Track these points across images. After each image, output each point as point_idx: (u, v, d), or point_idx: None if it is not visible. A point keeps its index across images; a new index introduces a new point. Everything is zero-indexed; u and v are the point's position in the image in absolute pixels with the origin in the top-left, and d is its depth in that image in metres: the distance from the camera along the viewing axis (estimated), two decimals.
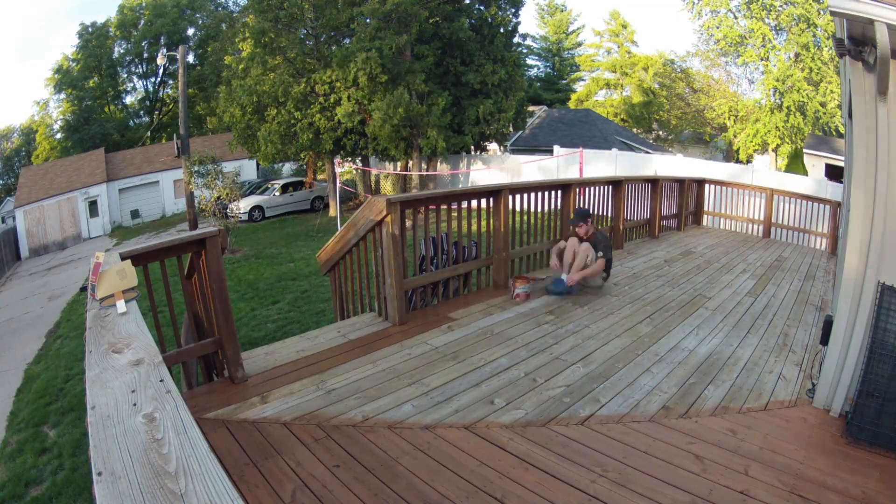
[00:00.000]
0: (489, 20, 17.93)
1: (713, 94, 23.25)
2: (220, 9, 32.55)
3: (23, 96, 67.60)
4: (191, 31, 32.40)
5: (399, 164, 19.28)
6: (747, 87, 24.04)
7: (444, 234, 4.50)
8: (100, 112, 30.55)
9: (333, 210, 17.75)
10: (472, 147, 18.39)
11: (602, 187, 6.56)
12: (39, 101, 33.39)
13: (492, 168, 18.42)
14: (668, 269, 5.86)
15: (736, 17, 21.09)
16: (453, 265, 4.54)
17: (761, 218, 9.16)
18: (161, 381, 1.17)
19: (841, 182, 10.98)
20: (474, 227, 4.78)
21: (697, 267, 6.09)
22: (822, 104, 19.00)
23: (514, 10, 18.91)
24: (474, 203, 4.74)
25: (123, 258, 2.24)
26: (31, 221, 21.63)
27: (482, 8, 18.41)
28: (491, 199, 4.75)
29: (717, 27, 21.48)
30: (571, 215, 4.98)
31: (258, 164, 25.32)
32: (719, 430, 2.57)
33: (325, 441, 2.46)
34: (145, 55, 31.76)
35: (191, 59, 30.80)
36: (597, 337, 3.75)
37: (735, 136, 21.52)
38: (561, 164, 16.80)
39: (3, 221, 24.50)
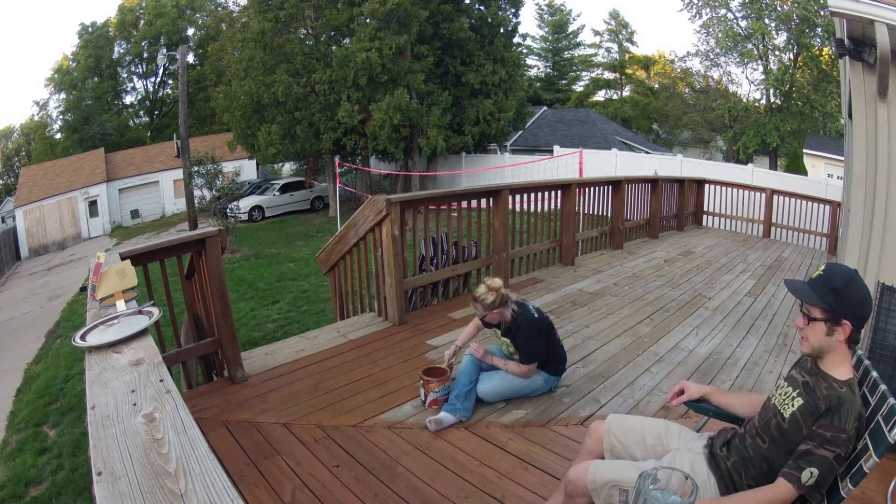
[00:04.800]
0: (489, 20, 17.94)
1: (713, 94, 23.24)
2: (220, 9, 32.54)
3: (23, 96, 67.85)
4: (191, 31, 32.36)
5: (399, 163, 19.28)
6: (747, 87, 24.03)
7: (444, 234, 4.50)
8: (100, 112, 30.50)
9: (333, 210, 17.74)
10: (473, 147, 18.40)
11: (602, 187, 6.56)
12: (39, 101, 33.43)
13: (492, 168, 18.41)
14: (668, 270, 5.86)
15: (736, 17, 21.08)
16: (453, 265, 4.55)
17: (761, 218, 9.16)
18: (161, 381, 1.17)
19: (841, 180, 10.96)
20: (474, 227, 4.78)
21: (697, 267, 6.09)
22: (823, 104, 19.00)
23: (514, 10, 18.93)
24: (474, 203, 4.74)
25: (123, 258, 2.24)
26: (31, 221, 21.62)
27: (482, 8, 18.42)
28: (491, 199, 4.76)
29: (718, 27, 21.48)
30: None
31: (258, 164, 25.30)
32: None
33: (325, 441, 2.46)
34: (145, 55, 31.71)
35: (191, 59, 30.77)
36: (597, 337, 3.75)
37: (735, 137, 21.50)
38: (560, 164, 16.80)
39: (3, 221, 24.45)
